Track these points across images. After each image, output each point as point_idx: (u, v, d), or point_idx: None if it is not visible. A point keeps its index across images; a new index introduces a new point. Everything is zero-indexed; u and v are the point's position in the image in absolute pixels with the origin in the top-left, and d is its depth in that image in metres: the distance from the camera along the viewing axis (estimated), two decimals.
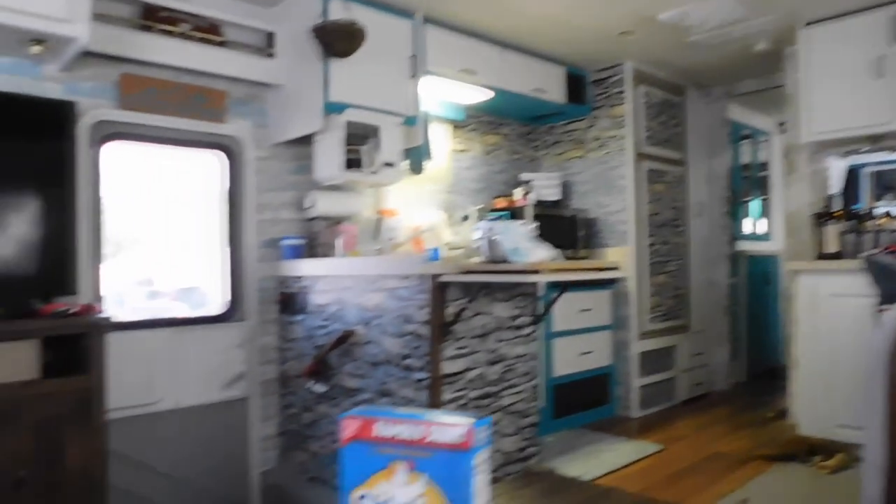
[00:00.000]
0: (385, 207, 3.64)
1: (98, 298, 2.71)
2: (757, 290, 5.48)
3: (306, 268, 3.06)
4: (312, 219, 3.31)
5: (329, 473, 2.92)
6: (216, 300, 3.19)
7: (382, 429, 0.98)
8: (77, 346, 2.38)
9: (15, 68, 2.57)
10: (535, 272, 2.30)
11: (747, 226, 5.68)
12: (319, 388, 2.89)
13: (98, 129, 2.79)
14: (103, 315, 2.40)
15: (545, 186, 4.34)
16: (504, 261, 2.43)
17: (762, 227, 5.88)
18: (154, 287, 3.24)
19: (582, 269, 2.56)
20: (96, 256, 2.76)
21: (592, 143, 4.45)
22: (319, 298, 2.97)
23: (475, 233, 2.57)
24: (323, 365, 2.86)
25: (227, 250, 3.18)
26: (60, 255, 2.51)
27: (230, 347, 3.09)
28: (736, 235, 5.29)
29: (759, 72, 4.53)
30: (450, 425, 0.95)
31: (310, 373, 2.89)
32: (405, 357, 2.56)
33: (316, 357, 2.89)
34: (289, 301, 3.14)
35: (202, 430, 3.01)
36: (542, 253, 2.41)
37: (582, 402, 4.01)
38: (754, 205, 5.80)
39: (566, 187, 4.53)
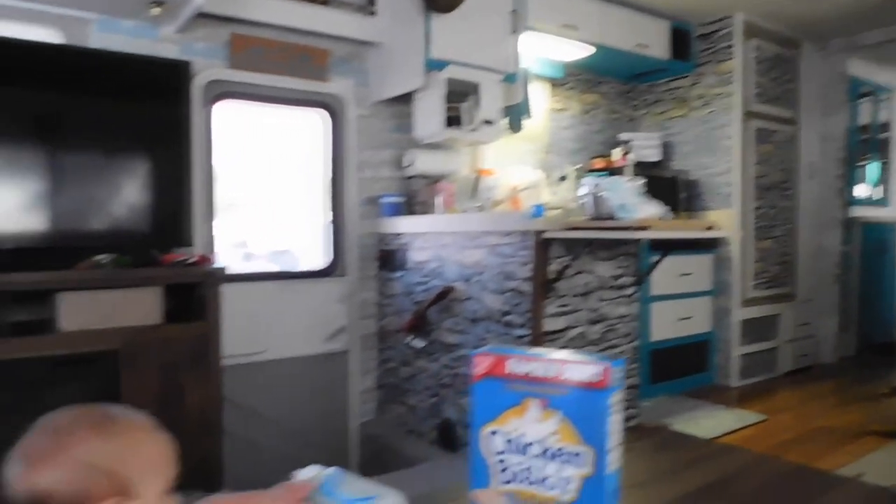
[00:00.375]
0: (482, 167, 3.61)
1: (211, 251, 2.84)
2: (871, 260, 5.15)
3: (406, 225, 3.09)
4: (411, 177, 3.34)
5: (426, 427, 2.98)
6: (308, 262, 3.27)
7: (515, 366, 0.98)
8: (194, 295, 2.51)
9: (135, 31, 2.69)
10: (644, 229, 2.23)
11: (863, 190, 5.32)
12: (418, 343, 2.94)
13: (210, 88, 2.89)
14: (218, 265, 2.51)
15: (645, 147, 4.20)
16: (610, 217, 2.37)
17: (879, 192, 5.49)
18: (248, 249, 3.35)
19: (691, 227, 2.46)
20: (209, 211, 2.88)
21: (696, 102, 4.25)
22: (418, 255, 3.00)
23: (580, 189, 2.52)
24: (422, 320, 2.90)
25: (329, 208, 3.26)
26: (177, 209, 2.63)
27: (332, 302, 3.19)
28: (850, 200, 4.97)
29: (887, 20, 4.18)
30: (585, 364, 0.93)
31: (409, 328, 2.93)
32: (506, 314, 2.56)
33: (415, 313, 2.93)
34: (388, 258, 3.19)
35: (305, 381, 3.13)
36: (650, 209, 2.34)
37: (679, 368, 3.91)
38: (872, 168, 5.42)
39: (666, 148, 4.36)
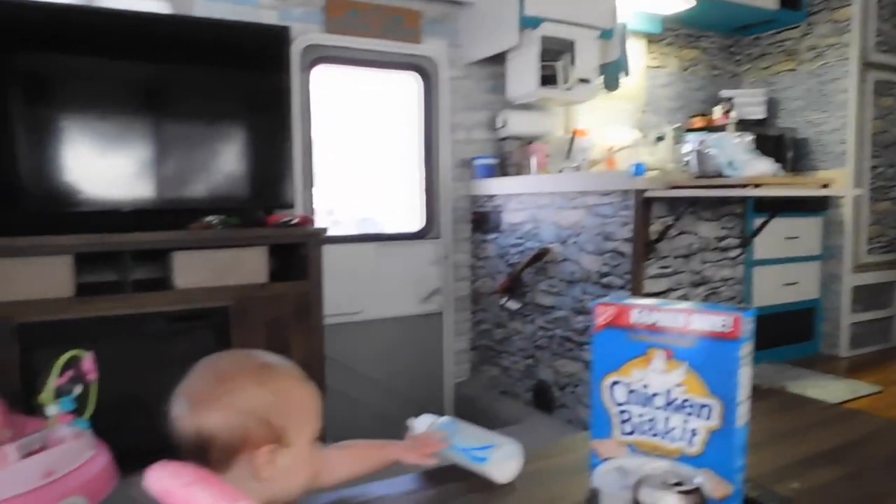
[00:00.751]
0: (576, 127, 3.53)
1: (311, 213, 2.91)
2: None
3: (500, 186, 3.07)
4: (504, 139, 3.30)
5: (520, 388, 2.99)
6: (398, 226, 3.30)
7: (639, 316, 0.95)
8: (296, 255, 2.59)
9: None
10: (754, 186, 2.12)
11: None
12: (513, 304, 2.93)
13: (307, 53, 2.94)
14: (319, 226, 2.58)
15: (748, 104, 3.98)
16: (717, 176, 2.27)
17: None
18: (335, 217, 3.38)
19: (805, 185, 2.32)
20: (308, 174, 2.95)
21: (807, 54, 3.98)
22: (513, 217, 2.98)
23: (684, 146, 2.42)
24: (517, 282, 2.88)
25: (422, 171, 3.27)
26: (279, 173, 2.71)
27: (426, 264, 3.22)
28: None
29: None
30: (714, 314, 0.90)
31: (504, 290, 2.93)
32: (604, 275, 2.51)
33: (510, 274, 2.92)
34: (482, 220, 3.18)
35: (400, 341, 3.20)
36: (760, 166, 2.22)
37: (783, 336, 3.73)
38: None
39: (771, 105, 4.11)
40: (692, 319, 0.91)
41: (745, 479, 0.94)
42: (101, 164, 2.41)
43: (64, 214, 2.37)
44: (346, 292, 3.02)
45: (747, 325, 0.89)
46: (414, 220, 3.29)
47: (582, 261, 2.61)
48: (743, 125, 3.81)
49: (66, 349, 1.48)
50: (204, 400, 0.78)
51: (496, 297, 3.05)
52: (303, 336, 2.54)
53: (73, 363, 1.46)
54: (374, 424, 3.10)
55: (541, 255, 2.75)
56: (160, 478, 0.69)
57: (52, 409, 1.41)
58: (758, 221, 2.92)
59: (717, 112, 3.89)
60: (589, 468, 0.99)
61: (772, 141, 3.83)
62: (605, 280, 2.51)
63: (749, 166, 2.21)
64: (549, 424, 2.69)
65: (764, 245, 3.53)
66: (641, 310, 0.95)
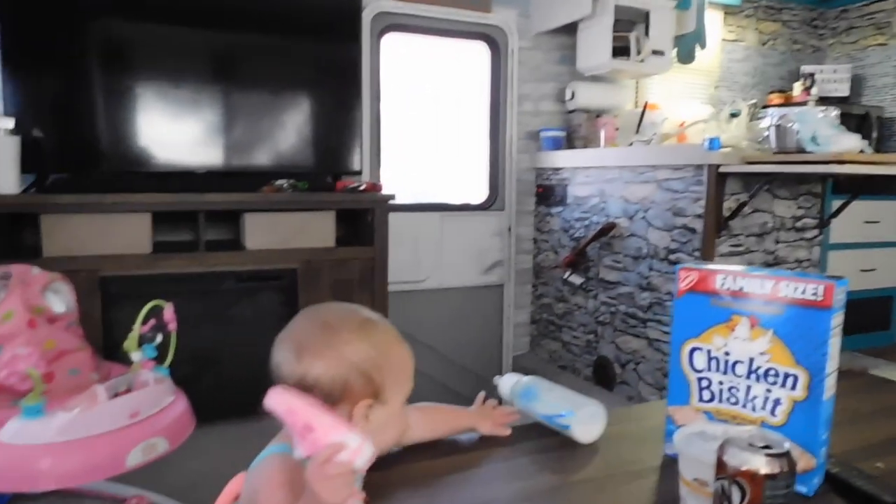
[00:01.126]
0: (647, 100, 3.44)
1: (378, 180, 2.94)
2: None
3: (567, 159, 3.03)
4: (572, 111, 3.25)
5: (580, 363, 2.97)
6: (463, 197, 3.29)
7: (724, 282, 0.93)
8: (363, 221, 2.62)
9: None
10: (840, 163, 2.03)
11: None
12: (576, 279, 2.90)
13: (377, 21, 2.94)
14: (386, 193, 2.60)
15: (831, 80, 3.80)
16: (798, 152, 2.18)
17: None
18: (401, 185, 3.39)
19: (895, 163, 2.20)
20: (376, 142, 2.98)
21: None
22: (579, 190, 2.94)
23: (763, 121, 2.33)
24: (581, 256, 2.85)
25: (488, 142, 3.25)
26: (348, 140, 2.74)
27: (489, 235, 3.22)
28: None
29: None
30: (806, 282, 0.87)
31: (567, 264, 2.90)
32: (672, 251, 2.46)
33: (575, 248, 2.89)
34: (547, 193, 3.15)
35: (461, 311, 3.21)
36: (847, 142, 2.12)
37: (857, 324, 3.58)
38: None
39: (856, 81, 3.92)
40: (780, 287, 0.88)
41: (828, 454, 0.91)
42: (177, 129, 2.48)
43: (141, 175, 2.46)
44: (409, 260, 3.05)
45: (840, 295, 0.86)
46: (478, 191, 3.28)
47: (649, 236, 2.55)
48: (824, 103, 3.64)
49: (143, 303, 1.54)
50: (310, 349, 0.78)
51: (559, 271, 3.03)
52: (367, 301, 2.58)
53: (154, 313, 1.52)
54: (431, 394, 3.14)
55: (607, 230, 2.71)
56: (284, 396, 0.72)
57: (135, 356, 1.48)
58: (837, 203, 2.80)
59: (797, 88, 3.73)
60: (664, 435, 0.98)
61: (856, 120, 3.65)
62: (672, 256, 2.45)
63: (834, 142, 2.11)
64: (609, 401, 2.65)
65: (842, 228, 3.38)
66: (726, 275, 0.92)
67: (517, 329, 3.31)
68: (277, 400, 0.72)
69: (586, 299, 2.90)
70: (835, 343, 0.87)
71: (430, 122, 3.36)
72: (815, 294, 0.86)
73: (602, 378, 2.79)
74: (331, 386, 0.77)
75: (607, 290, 2.77)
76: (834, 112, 2.29)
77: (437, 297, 3.14)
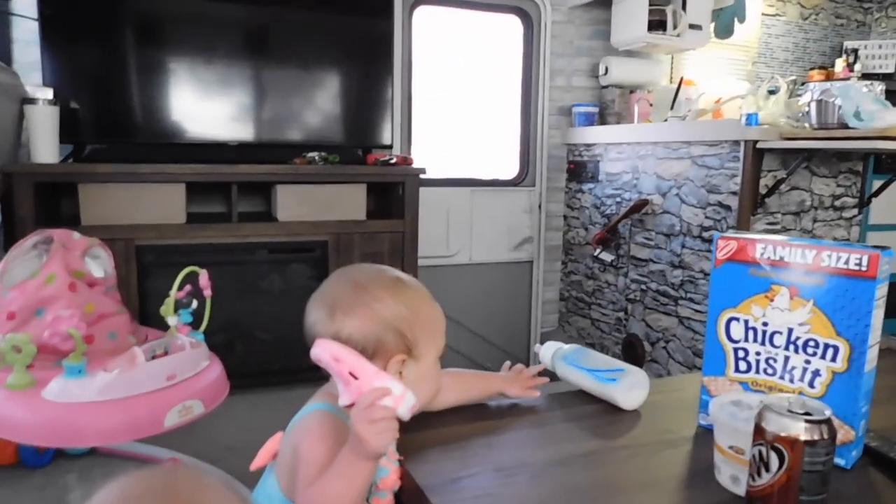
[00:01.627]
0: (682, 76, 3.37)
1: (409, 153, 2.93)
2: None
3: (600, 135, 2.99)
4: (605, 87, 3.20)
5: (609, 341, 2.95)
6: (494, 172, 3.27)
7: (764, 251, 0.91)
8: (394, 194, 2.63)
9: None
10: (886, 139, 1.97)
11: None
12: (606, 256, 2.88)
13: None
14: (417, 166, 2.60)
15: (876, 56, 3.68)
16: (840, 127, 2.12)
17: None
18: (432, 159, 3.37)
19: None
20: (407, 116, 2.97)
21: None
22: (611, 167, 2.90)
23: (803, 95, 2.27)
24: (612, 234, 2.83)
25: (520, 117, 3.23)
26: (379, 113, 2.73)
27: (519, 212, 3.20)
28: None
29: None
30: (849, 251, 0.85)
31: (598, 241, 2.88)
32: (706, 229, 2.42)
33: (606, 225, 2.87)
34: (578, 169, 3.12)
35: (490, 287, 3.21)
36: (892, 118, 2.05)
37: (893, 309, 3.51)
38: None
39: None
40: (823, 257, 0.86)
41: (867, 427, 0.90)
42: (210, 102, 2.51)
43: (175, 147, 2.49)
44: (439, 235, 3.05)
45: (885, 265, 0.84)
46: (509, 167, 3.26)
47: (683, 213, 2.52)
48: (868, 80, 3.54)
49: (178, 272, 1.56)
50: (343, 307, 0.80)
51: (589, 247, 3.01)
52: None
53: (190, 279, 1.54)
54: (459, 367, 3.16)
55: (639, 207, 2.68)
56: (331, 345, 0.74)
57: (172, 320, 1.51)
58: (878, 183, 2.73)
59: (839, 65, 3.63)
60: (699, 405, 0.98)
61: None
62: (706, 234, 2.42)
63: (879, 117, 2.05)
64: None
65: (882, 210, 3.29)
66: (766, 245, 0.91)
67: (546, 306, 3.30)
68: (324, 347, 0.74)
69: (616, 276, 2.88)
70: (878, 315, 0.85)
71: (461, 97, 3.34)
72: (858, 264, 0.84)
73: (631, 356, 2.77)
74: (364, 343, 0.79)
75: (638, 268, 2.75)
76: (879, 87, 2.22)
77: (467, 272, 3.15)
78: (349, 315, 0.79)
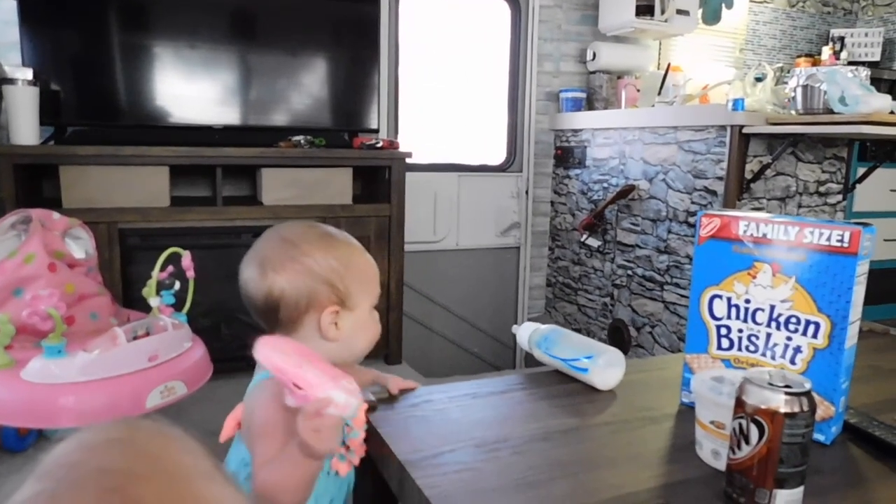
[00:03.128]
0: (670, 62, 3.37)
1: (395, 138, 2.92)
2: None
3: (587, 120, 2.99)
4: (593, 72, 3.19)
5: (595, 326, 2.96)
6: (481, 157, 3.25)
7: (746, 228, 0.91)
8: (380, 178, 2.61)
9: None
10: (869, 123, 1.98)
11: None
12: (593, 242, 2.88)
13: None
14: (403, 150, 2.58)
15: (862, 44, 3.69)
16: (826, 112, 2.13)
17: None
18: (418, 145, 3.35)
19: None
20: (394, 101, 2.95)
21: None
22: (599, 152, 2.90)
23: (790, 80, 2.28)
24: (599, 219, 2.83)
25: (508, 102, 3.21)
26: (365, 97, 2.71)
27: (506, 197, 3.20)
28: None
29: None
30: (831, 227, 0.85)
31: (584, 227, 2.88)
32: (692, 214, 2.43)
33: (593, 211, 2.87)
34: (566, 154, 3.12)
35: (477, 273, 3.21)
36: (876, 102, 2.06)
37: (879, 294, 3.53)
38: None
39: (888, 45, 3.81)
40: (805, 233, 0.86)
41: (847, 404, 0.90)
42: (195, 84, 2.47)
43: (159, 129, 2.46)
44: (426, 220, 3.04)
45: (866, 242, 0.84)
46: (496, 152, 3.25)
47: (669, 199, 2.52)
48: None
49: (161, 254, 1.54)
50: (273, 263, 0.82)
51: (576, 233, 3.01)
52: (384, 259, 2.59)
53: (173, 260, 1.53)
54: (445, 354, 3.16)
55: (626, 192, 2.68)
56: (270, 357, 0.73)
57: (154, 301, 1.50)
58: (863, 170, 2.74)
59: (826, 52, 3.64)
60: (681, 383, 0.98)
61: (887, 85, 3.56)
62: (692, 219, 2.43)
63: (864, 102, 2.05)
64: None
65: (866, 196, 3.32)
66: (749, 222, 0.90)
67: (532, 291, 3.31)
68: (265, 356, 0.73)
69: (603, 262, 2.89)
70: (859, 291, 0.86)
71: (449, 82, 3.32)
72: (840, 240, 0.84)
73: (617, 341, 2.78)
74: (297, 297, 0.82)
75: (624, 253, 2.76)
76: (865, 73, 2.23)
77: (454, 257, 3.14)
78: (279, 271, 0.82)
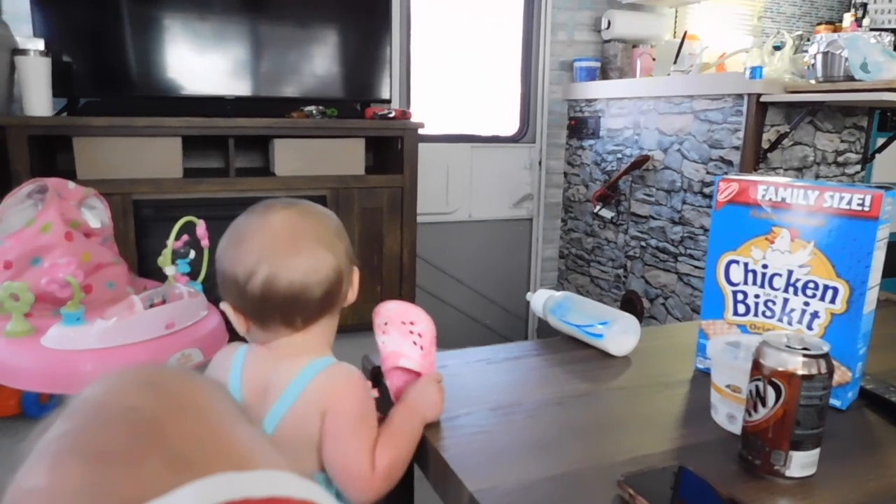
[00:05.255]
0: (686, 30, 3.31)
1: (408, 108, 2.90)
2: None
3: (602, 90, 2.95)
4: (608, 41, 3.14)
5: (608, 298, 2.96)
6: (495, 128, 3.23)
7: (765, 193, 0.90)
8: (392, 148, 2.60)
9: None
10: (891, 90, 1.94)
11: None
12: (606, 213, 2.87)
13: None
14: (416, 120, 2.56)
15: (885, 10, 3.61)
16: (846, 80, 2.09)
17: None
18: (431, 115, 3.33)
19: None
20: (406, 70, 2.92)
21: None
22: (612, 123, 2.87)
23: (810, 47, 2.23)
24: (612, 190, 2.81)
25: (520, 72, 3.18)
26: (377, 67, 2.69)
27: (519, 168, 3.18)
28: None
29: None
30: (852, 191, 0.84)
31: (598, 198, 2.86)
32: (707, 184, 2.40)
33: (606, 182, 2.84)
34: (579, 125, 3.08)
35: (489, 245, 3.21)
36: None
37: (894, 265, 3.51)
38: None
39: None
40: (825, 197, 0.85)
41: (863, 370, 0.90)
42: (207, 55, 2.46)
43: (171, 100, 2.45)
44: (439, 192, 3.03)
45: (888, 206, 0.83)
46: (509, 123, 3.22)
47: (684, 169, 2.50)
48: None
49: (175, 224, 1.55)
50: (330, 243, 0.79)
51: (589, 205, 2.99)
52: (397, 229, 2.59)
53: (188, 230, 1.53)
54: (458, 326, 3.17)
55: (640, 163, 2.65)
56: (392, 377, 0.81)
57: (169, 270, 1.51)
58: (882, 140, 2.70)
59: (847, 19, 3.55)
60: (696, 350, 0.98)
61: None
62: (707, 190, 2.40)
63: (886, 69, 2.01)
64: None
65: (885, 168, 3.27)
66: (768, 186, 0.89)
67: (545, 263, 3.30)
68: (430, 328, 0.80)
69: (616, 234, 2.87)
70: (879, 256, 0.85)
71: (461, 52, 3.28)
72: (861, 204, 0.83)
73: (630, 313, 2.77)
74: (344, 275, 0.80)
75: (638, 225, 2.74)
76: (888, 38, 2.18)
77: (466, 229, 3.14)
78: (335, 248, 0.79)
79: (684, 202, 2.50)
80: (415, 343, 0.79)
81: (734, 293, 0.94)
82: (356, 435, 0.72)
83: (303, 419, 0.73)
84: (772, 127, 2.29)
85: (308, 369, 0.75)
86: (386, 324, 0.81)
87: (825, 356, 0.67)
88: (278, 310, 0.76)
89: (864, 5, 3.58)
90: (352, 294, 0.84)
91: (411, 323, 0.80)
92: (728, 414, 0.78)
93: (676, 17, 3.41)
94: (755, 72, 2.28)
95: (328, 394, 0.73)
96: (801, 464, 0.68)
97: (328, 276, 0.77)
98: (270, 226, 0.78)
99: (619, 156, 2.82)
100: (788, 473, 0.67)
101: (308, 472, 0.74)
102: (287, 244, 0.77)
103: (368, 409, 0.75)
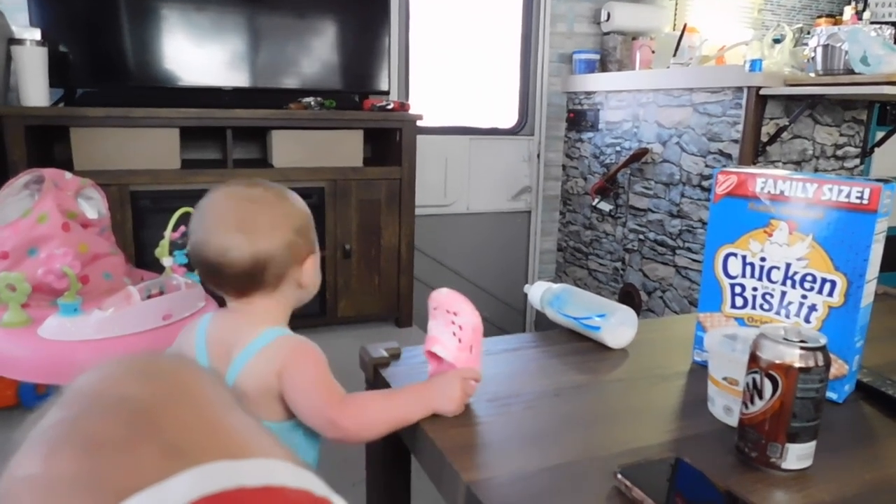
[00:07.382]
0: (686, 23, 3.30)
1: (407, 100, 2.89)
2: None
3: (601, 82, 2.94)
4: (607, 33, 3.13)
5: (606, 291, 2.96)
6: (493, 121, 3.22)
7: (763, 185, 0.90)
8: (391, 140, 2.60)
9: None
10: (892, 84, 1.93)
11: None
12: (605, 206, 2.86)
13: None
14: (414, 112, 2.56)
15: (886, 3, 3.60)
16: (846, 73, 2.09)
17: None
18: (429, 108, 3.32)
19: None
20: (404, 62, 2.91)
21: None
22: (611, 115, 2.86)
23: (810, 40, 2.23)
24: (611, 183, 2.81)
25: (519, 64, 3.17)
26: (376, 58, 2.68)
27: (517, 161, 3.17)
28: None
29: None
30: (850, 184, 0.84)
31: (597, 190, 2.86)
32: (706, 178, 2.40)
33: (605, 175, 2.84)
34: (578, 118, 3.08)
35: (488, 237, 3.20)
36: None
37: (893, 261, 3.51)
38: None
39: None
40: (824, 190, 0.85)
41: (860, 363, 0.90)
42: (205, 46, 2.45)
43: (169, 91, 2.44)
44: (437, 184, 3.03)
45: (886, 199, 0.83)
46: (508, 115, 3.21)
47: (683, 162, 2.50)
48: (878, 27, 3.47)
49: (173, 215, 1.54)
50: (253, 225, 0.82)
51: (587, 197, 2.99)
52: (395, 221, 2.58)
53: (185, 220, 1.53)
54: None
55: (639, 156, 2.65)
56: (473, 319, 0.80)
57: (166, 261, 1.50)
58: (881, 134, 2.70)
59: (847, 12, 3.54)
60: (693, 343, 0.98)
61: None
62: (706, 183, 2.40)
63: (887, 62, 2.01)
64: None
65: (885, 161, 3.27)
66: (766, 178, 0.89)
67: (543, 256, 3.30)
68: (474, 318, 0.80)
69: (615, 227, 2.87)
70: (877, 249, 0.85)
71: (460, 44, 3.27)
72: (860, 197, 0.83)
73: (628, 305, 2.78)
74: (283, 254, 0.83)
75: (637, 218, 2.74)
76: (889, 31, 2.17)
77: (464, 221, 3.13)
78: (262, 232, 0.82)
79: (683, 195, 2.50)
80: (454, 334, 0.80)
81: (732, 286, 0.93)
82: (314, 382, 0.79)
83: (260, 375, 0.80)
84: (771, 120, 2.29)
85: (267, 333, 0.83)
86: (435, 308, 0.84)
87: (822, 349, 0.67)
88: (209, 276, 0.86)
89: None
90: (306, 279, 0.88)
91: (455, 313, 0.81)
92: (725, 406, 0.78)
93: (676, 9, 3.40)
94: (755, 65, 2.28)
95: (283, 357, 0.80)
96: (797, 456, 0.68)
97: (240, 258, 0.82)
98: (209, 203, 0.86)
99: (618, 148, 2.82)
100: (785, 465, 0.67)
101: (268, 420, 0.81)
102: (213, 223, 0.84)
103: (322, 367, 0.80)
